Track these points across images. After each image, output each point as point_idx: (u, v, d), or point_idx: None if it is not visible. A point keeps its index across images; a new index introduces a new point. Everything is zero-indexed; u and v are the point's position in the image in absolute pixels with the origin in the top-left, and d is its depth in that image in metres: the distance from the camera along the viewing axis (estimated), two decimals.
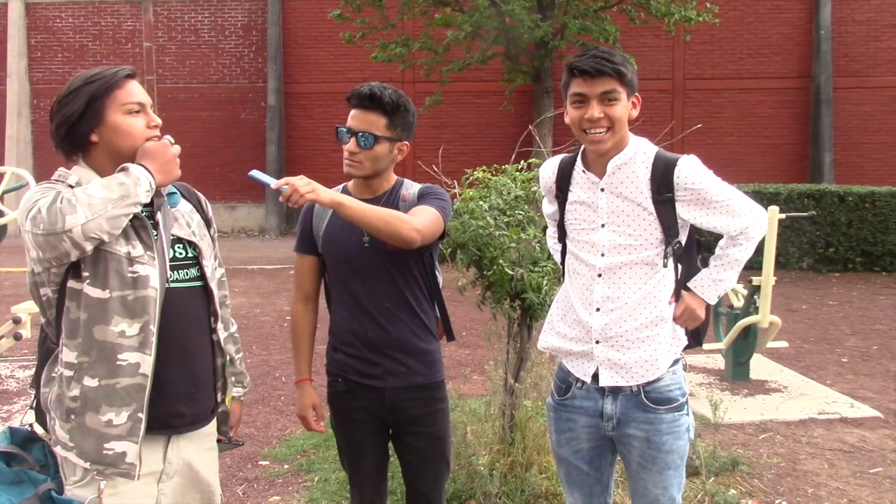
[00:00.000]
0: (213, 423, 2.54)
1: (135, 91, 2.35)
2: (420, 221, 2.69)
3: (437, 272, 2.99)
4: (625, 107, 2.56)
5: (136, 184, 2.19)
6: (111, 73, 2.33)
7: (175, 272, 2.36)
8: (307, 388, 3.00)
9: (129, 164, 2.24)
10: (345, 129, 2.83)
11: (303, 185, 2.44)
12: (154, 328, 2.24)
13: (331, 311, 3.00)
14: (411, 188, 2.93)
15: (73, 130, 2.30)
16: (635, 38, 17.68)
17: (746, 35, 19.32)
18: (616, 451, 2.78)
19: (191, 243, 2.42)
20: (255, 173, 2.55)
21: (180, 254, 2.39)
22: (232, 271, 13.26)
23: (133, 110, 2.33)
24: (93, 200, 2.11)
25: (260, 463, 5.07)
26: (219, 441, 2.61)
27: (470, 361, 7.30)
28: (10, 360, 6.85)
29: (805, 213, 9.53)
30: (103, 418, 2.21)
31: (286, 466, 4.99)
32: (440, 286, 3.01)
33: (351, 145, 2.80)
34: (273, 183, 2.45)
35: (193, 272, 2.42)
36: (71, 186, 2.26)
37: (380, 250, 2.78)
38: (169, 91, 19.77)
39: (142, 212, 2.31)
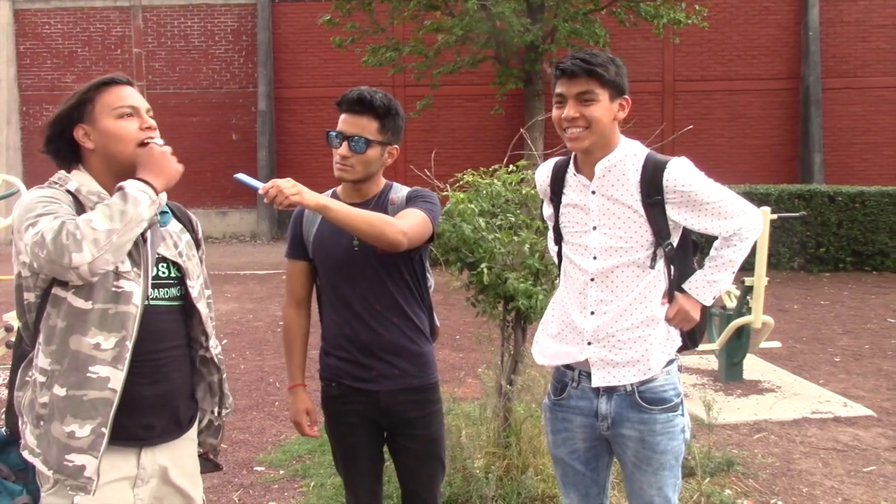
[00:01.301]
0: (192, 432, 2.51)
1: (126, 95, 2.33)
2: (407, 224, 2.69)
3: (427, 274, 2.99)
4: (605, 108, 2.56)
5: (136, 204, 2.16)
6: (102, 79, 2.33)
7: (156, 290, 2.34)
8: (300, 393, 3.00)
9: (125, 183, 2.20)
10: (335, 134, 2.82)
11: (288, 188, 2.43)
12: (130, 344, 2.23)
13: (322, 315, 3.00)
14: (400, 191, 2.93)
15: (64, 136, 2.29)
16: (625, 40, 17.72)
17: (735, 37, 19.39)
18: (612, 452, 2.78)
19: (175, 263, 2.41)
20: (241, 176, 2.54)
21: (163, 273, 2.38)
22: (224, 277, 13.24)
23: (125, 114, 2.32)
24: (97, 235, 2.08)
25: (255, 469, 5.06)
26: (204, 459, 2.60)
27: (464, 365, 7.30)
28: (1, 369, 6.82)
29: (796, 214, 9.56)
30: (66, 429, 2.19)
31: (282, 472, 4.99)
32: (431, 289, 3.01)
33: (343, 150, 2.80)
34: (260, 188, 2.45)
35: (174, 291, 2.40)
36: (69, 192, 2.25)
37: (369, 254, 2.78)
38: (159, 97, 19.71)
39: None
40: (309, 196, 2.48)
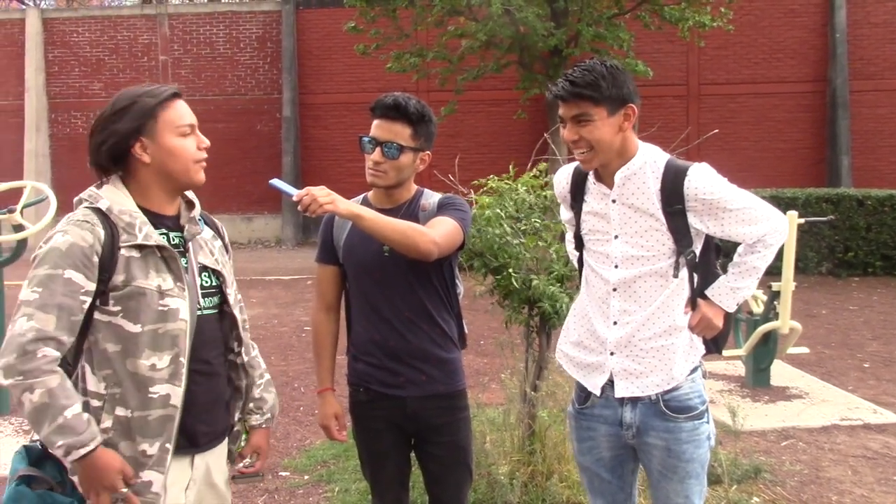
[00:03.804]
0: (226, 441, 2.55)
1: (186, 112, 2.34)
2: (438, 233, 2.69)
3: (457, 281, 2.99)
4: (604, 126, 2.51)
5: (50, 445, 2.15)
6: (158, 91, 2.31)
7: (203, 299, 2.38)
8: (329, 397, 3.00)
9: (77, 443, 2.13)
10: (368, 139, 2.83)
11: (322, 196, 2.44)
12: (184, 360, 2.26)
13: (351, 321, 3.01)
14: (431, 198, 2.93)
15: (121, 148, 2.27)
16: (649, 44, 17.65)
17: (761, 39, 19.24)
18: (638, 459, 2.76)
19: (214, 271, 2.43)
20: (277, 182, 2.57)
21: (206, 282, 2.40)
22: (249, 282, 13.31)
23: (185, 133, 2.33)
24: (29, 403, 2.11)
25: (280, 474, 5.07)
26: (238, 476, 2.64)
27: (488, 370, 7.28)
28: None
29: (824, 218, 9.46)
30: (139, 448, 2.24)
31: (306, 477, 5.00)
32: (460, 295, 3.01)
33: (376, 155, 2.80)
34: (294, 195, 2.46)
35: (216, 300, 2.44)
36: (100, 210, 2.25)
37: (400, 260, 2.78)
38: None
39: (171, 241, 2.33)
40: (342, 205, 2.50)
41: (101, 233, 2.22)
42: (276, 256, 17.48)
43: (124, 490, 2.22)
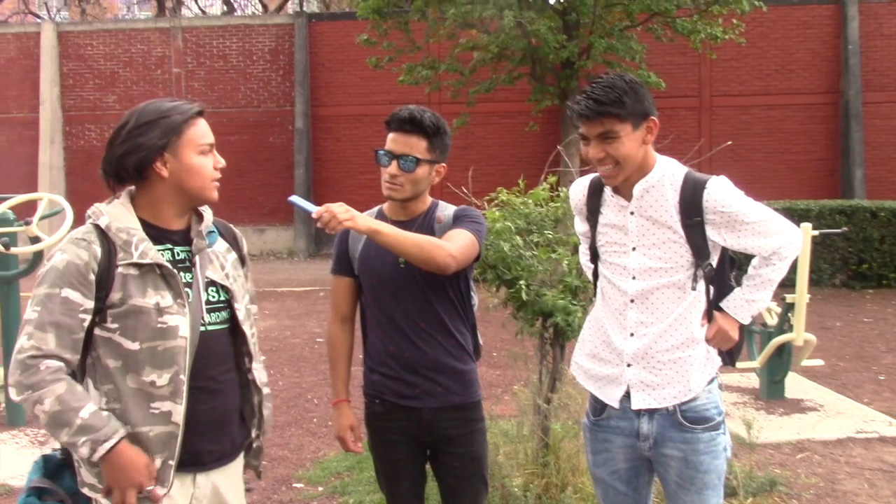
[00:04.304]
0: (240, 459, 2.53)
1: (206, 131, 2.35)
2: (455, 247, 2.70)
3: (472, 292, 3.00)
4: (630, 141, 2.51)
5: (74, 447, 2.18)
6: (184, 108, 2.31)
7: (208, 315, 2.36)
8: (344, 409, 3.01)
9: (98, 439, 2.16)
10: (384, 153, 2.84)
11: (341, 212, 2.46)
12: (185, 377, 2.26)
13: (366, 332, 3.01)
14: (446, 210, 2.94)
15: (147, 161, 2.27)
16: (661, 56, 17.65)
17: (773, 51, 19.22)
18: (653, 471, 2.75)
19: (223, 286, 2.41)
20: (295, 199, 2.58)
21: (213, 297, 2.39)
22: (262, 294, 13.34)
23: (205, 151, 2.34)
24: (28, 397, 2.15)
25: (294, 485, 5.08)
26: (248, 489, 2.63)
27: (501, 382, 7.27)
28: None
29: (838, 230, 9.43)
30: None
31: (320, 489, 5.00)
32: (475, 306, 3.01)
33: (392, 168, 2.81)
34: (314, 212, 2.47)
35: (224, 315, 2.42)
36: (98, 228, 2.27)
37: (415, 272, 2.79)
38: None
39: (177, 256, 2.33)
40: (361, 221, 2.52)
41: (98, 250, 2.23)
42: (288, 268, 17.53)
43: (150, 487, 2.23)
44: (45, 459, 2.43)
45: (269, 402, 2.60)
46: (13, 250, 6.05)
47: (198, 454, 2.35)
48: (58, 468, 2.40)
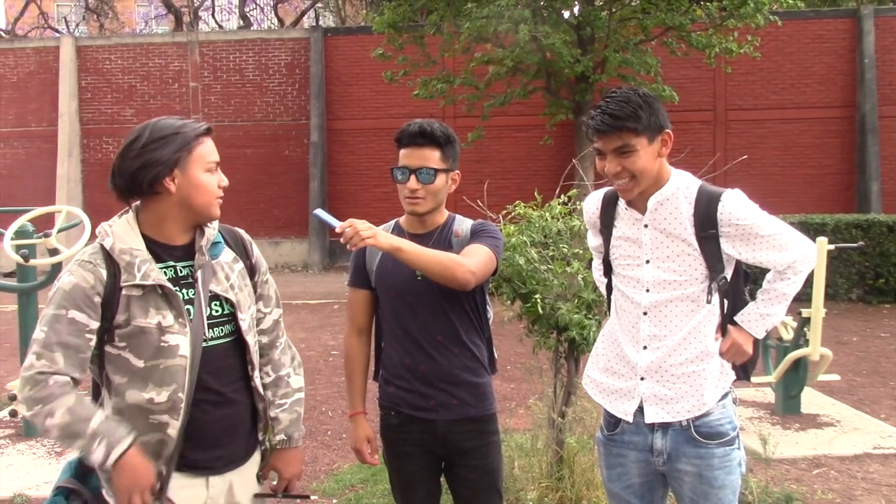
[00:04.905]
0: (254, 459, 2.57)
1: (213, 150, 2.41)
2: (474, 263, 2.73)
3: (487, 306, 3.01)
4: (646, 155, 2.53)
5: (88, 453, 2.22)
6: (195, 127, 2.38)
7: (211, 330, 2.40)
8: (361, 421, 3.02)
9: (110, 446, 2.20)
10: (400, 169, 2.87)
11: (364, 229, 2.50)
12: (183, 395, 2.31)
13: (383, 345, 3.03)
14: (463, 224, 2.97)
15: (160, 177, 2.31)
16: (676, 70, 17.65)
17: (788, 65, 19.19)
18: (668, 486, 2.75)
19: (227, 299, 2.44)
20: (320, 213, 2.61)
21: (216, 311, 2.41)
22: None
23: (211, 168, 2.39)
24: (48, 426, 2.20)
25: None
26: (284, 494, 2.64)
27: (515, 395, 7.27)
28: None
29: (854, 244, 9.38)
30: None
31: (335, 501, 5.00)
32: (490, 320, 3.03)
33: (412, 183, 2.84)
34: (337, 226, 2.51)
35: (228, 328, 2.45)
36: (104, 249, 2.31)
37: (432, 285, 2.80)
38: (215, 129, 19.70)
39: (179, 272, 2.37)
40: (383, 239, 2.55)
41: (104, 273, 2.28)
42: (302, 281, 17.58)
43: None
44: (79, 460, 2.49)
45: (299, 406, 2.67)
46: (32, 262, 6.10)
47: (208, 461, 2.40)
48: (87, 470, 2.46)
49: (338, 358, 9.00)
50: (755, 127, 19.22)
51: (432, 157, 2.84)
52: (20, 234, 6.19)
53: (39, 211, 6.48)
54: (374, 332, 3.09)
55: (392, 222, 3.02)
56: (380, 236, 2.54)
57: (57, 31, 29.41)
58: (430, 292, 2.84)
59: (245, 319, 2.47)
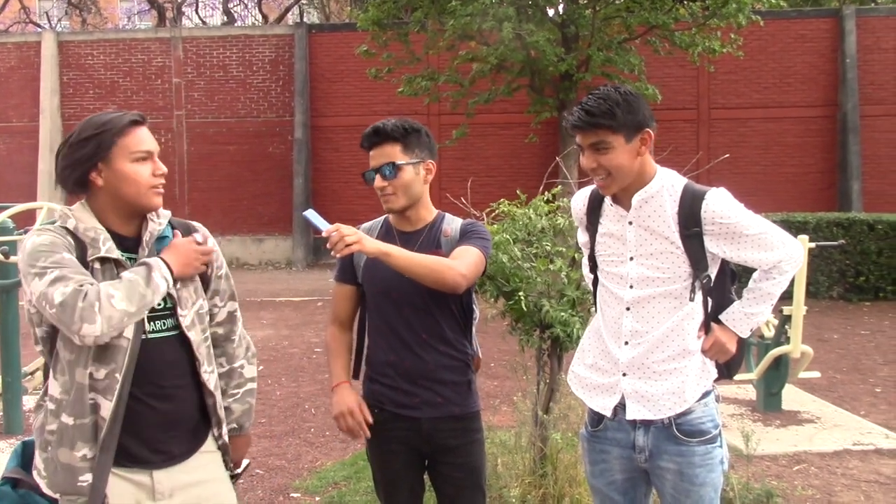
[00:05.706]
0: (207, 445, 2.55)
1: (144, 139, 2.40)
2: (465, 266, 2.74)
3: (473, 305, 3.02)
4: (622, 153, 2.54)
5: (155, 291, 2.27)
6: (119, 120, 2.38)
7: (151, 323, 2.40)
8: (346, 388, 2.92)
9: (153, 264, 2.29)
10: (368, 172, 2.91)
11: (349, 235, 2.51)
12: (119, 376, 2.30)
13: (368, 341, 3.03)
14: (452, 223, 2.97)
15: (84, 175, 2.36)
16: (660, 68, 17.73)
17: (771, 64, 19.32)
18: (651, 482, 2.76)
19: (169, 295, 2.42)
20: (310, 214, 2.62)
21: (158, 305, 2.39)
22: (259, 303, 13.35)
23: (140, 158, 2.39)
24: (113, 314, 2.18)
25: (291, 495, 5.08)
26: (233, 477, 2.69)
27: (499, 392, 7.28)
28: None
29: (835, 242, 9.45)
30: (78, 453, 2.30)
31: (317, 498, 5.00)
32: (476, 319, 3.04)
33: (378, 182, 2.87)
34: (325, 230, 2.52)
35: (170, 322, 2.44)
36: (67, 229, 2.32)
37: (419, 283, 2.81)
38: (198, 125, 20.05)
39: (126, 261, 2.38)
40: (370, 244, 2.57)
41: (72, 243, 2.31)
42: (286, 278, 17.53)
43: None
44: (24, 445, 2.52)
45: (251, 397, 2.71)
46: (12, 259, 6.06)
47: (149, 454, 2.39)
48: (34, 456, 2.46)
49: (321, 355, 8.98)
50: (738, 126, 19.33)
51: (393, 152, 2.85)
52: (0, 230, 6.14)
53: (20, 207, 6.44)
54: (357, 328, 3.09)
55: (381, 219, 3.03)
56: (366, 242, 2.55)
57: (39, 25, 29.16)
58: (416, 290, 2.83)
59: (186, 315, 2.46)
